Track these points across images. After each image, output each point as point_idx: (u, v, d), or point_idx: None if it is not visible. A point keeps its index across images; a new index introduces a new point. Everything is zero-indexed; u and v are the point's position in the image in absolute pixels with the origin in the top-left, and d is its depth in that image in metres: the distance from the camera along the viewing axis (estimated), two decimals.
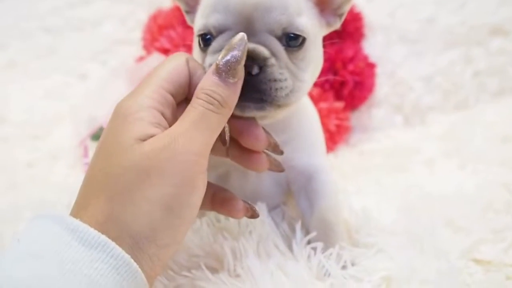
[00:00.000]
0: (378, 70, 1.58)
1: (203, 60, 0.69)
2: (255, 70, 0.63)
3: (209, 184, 0.61)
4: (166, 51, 1.49)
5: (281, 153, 0.69)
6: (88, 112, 1.44)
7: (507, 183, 0.91)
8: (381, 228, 0.80)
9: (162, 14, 1.60)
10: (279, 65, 0.65)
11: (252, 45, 0.63)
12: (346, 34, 1.56)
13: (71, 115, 1.53)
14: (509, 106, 1.43)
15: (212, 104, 0.57)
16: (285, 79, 0.65)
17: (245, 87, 0.61)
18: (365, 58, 1.55)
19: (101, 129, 1.33)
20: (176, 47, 1.48)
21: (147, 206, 0.51)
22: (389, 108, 1.60)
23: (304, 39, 0.68)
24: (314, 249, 0.73)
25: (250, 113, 0.66)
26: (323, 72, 1.45)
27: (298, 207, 0.85)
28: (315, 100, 1.41)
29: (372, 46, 1.63)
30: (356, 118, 1.60)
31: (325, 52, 1.40)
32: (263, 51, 0.64)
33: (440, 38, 1.61)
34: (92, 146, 1.32)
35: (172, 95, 0.60)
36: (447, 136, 1.32)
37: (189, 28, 1.56)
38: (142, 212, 0.51)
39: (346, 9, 0.76)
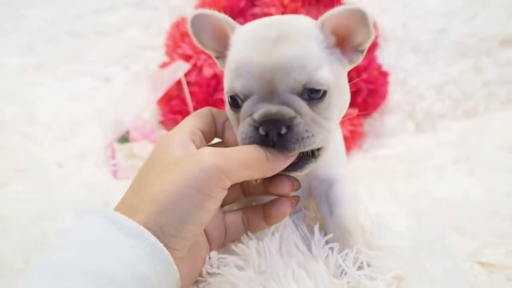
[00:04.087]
0: (391, 79, 1.65)
1: (236, 124, 0.75)
2: (284, 130, 0.68)
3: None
4: (188, 58, 1.56)
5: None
6: (114, 117, 1.52)
7: (510, 191, 0.97)
8: (394, 232, 0.85)
9: (184, 21, 1.67)
10: (305, 122, 0.69)
11: (276, 107, 0.68)
12: None
13: (97, 119, 1.60)
14: None
15: (265, 155, 0.68)
16: (312, 135, 0.69)
17: (277, 146, 0.69)
18: (379, 67, 1.61)
19: (127, 132, 1.41)
20: (197, 54, 1.55)
21: (161, 196, 0.62)
22: (401, 115, 1.67)
23: (326, 90, 0.71)
24: (332, 249, 0.79)
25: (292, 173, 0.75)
26: None
27: (318, 212, 0.91)
28: None
29: (386, 56, 1.70)
30: (369, 124, 1.67)
31: None
32: (288, 111, 0.68)
33: (451, 49, 1.67)
34: (119, 149, 1.39)
35: (201, 130, 0.74)
36: (457, 143, 1.38)
37: None
38: (154, 199, 0.62)
39: (366, 45, 0.77)
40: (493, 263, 0.78)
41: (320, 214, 0.90)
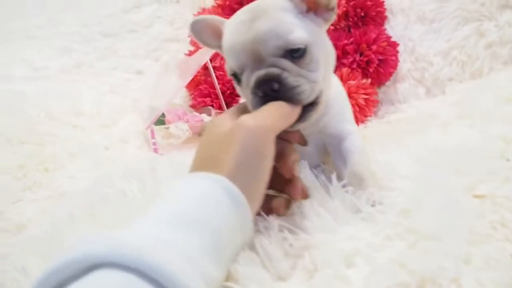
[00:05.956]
0: (400, 49, 1.77)
1: (245, 97, 0.89)
2: (276, 86, 0.82)
3: None
4: None
5: (305, 144, 0.94)
6: (149, 103, 1.69)
7: (504, 135, 1.09)
8: (401, 176, 0.99)
9: (205, 12, 1.82)
10: (293, 75, 0.83)
11: (263, 71, 0.83)
12: (369, 19, 1.76)
13: (134, 107, 1.77)
14: None
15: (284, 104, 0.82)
16: (302, 84, 0.84)
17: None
18: (388, 38, 1.74)
19: (163, 115, 1.57)
20: None
21: (232, 163, 0.72)
22: (412, 82, 1.81)
23: (304, 47, 0.85)
24: (347, 192, 0.93)
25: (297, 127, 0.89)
26: (351, 54, 1.66)
27: (334, 164, 1.05)
28: (345, 78, 1.62)
29: (394, 27, 1.83)
30: (383, 92, 1.81)
31: (351, 36, 1.61)
32: (275, 70, 0.83)
33: (455, 16, 1.79)
34: (157, 130, 1.56)
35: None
36: (461, 101, 1.50)
37: None
38: (228, 168, 0.71)
39: (333, 4, 0.90)
40: (485, 194, 0.90)
41: (336, 166, 1.04)
